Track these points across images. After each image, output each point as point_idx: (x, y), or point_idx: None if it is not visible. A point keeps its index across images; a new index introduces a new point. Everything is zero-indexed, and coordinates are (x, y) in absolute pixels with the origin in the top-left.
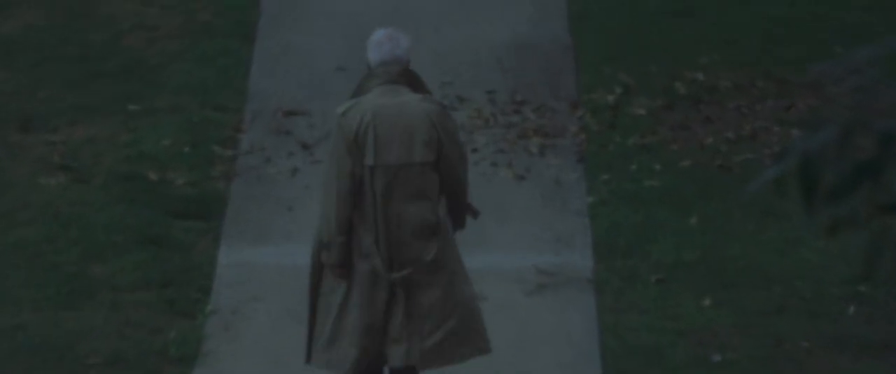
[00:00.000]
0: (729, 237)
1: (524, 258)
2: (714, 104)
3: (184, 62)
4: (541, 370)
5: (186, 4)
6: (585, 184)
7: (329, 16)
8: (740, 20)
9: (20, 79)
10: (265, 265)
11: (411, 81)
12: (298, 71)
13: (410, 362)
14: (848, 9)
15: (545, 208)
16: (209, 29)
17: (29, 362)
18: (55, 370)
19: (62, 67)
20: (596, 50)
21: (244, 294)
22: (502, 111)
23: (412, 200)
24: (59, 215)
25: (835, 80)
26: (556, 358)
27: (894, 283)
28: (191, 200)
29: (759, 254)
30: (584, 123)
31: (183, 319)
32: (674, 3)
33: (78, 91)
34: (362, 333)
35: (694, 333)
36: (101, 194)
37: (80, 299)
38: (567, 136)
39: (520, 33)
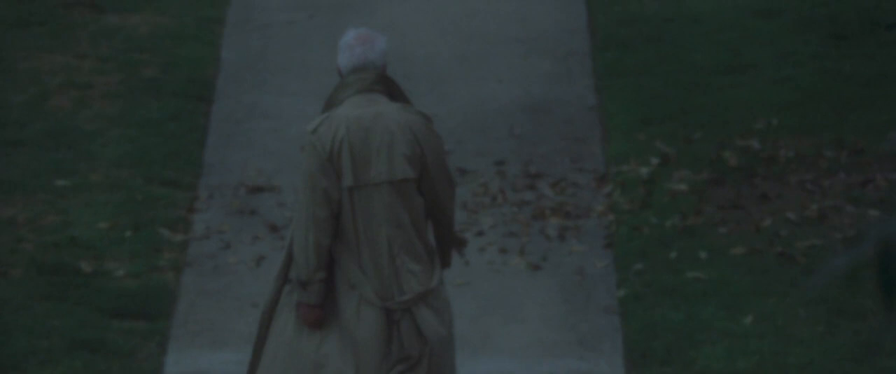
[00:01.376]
0: (791, 341)
1: (540, 366)
2: (772, 179)
3: (124, 127)
4: None
5: (127, 56)
6: (615, 275)
7: (301, 71)
8: (805, 78)
9: None
10: None
11: (389, 88)
12: (265, 138)
13: None
14: None
15: (565, 305)
16: (156, 87)
17: None
18: None
19: None
20: (627, 112)
21: None
22: (514, 186)
23: (402, 222)
24: None
25: None
26: None
27: None
28: (132, 295)
29: (828, 362)
30: (613, 201)
31: None
32: (723, 55)
33: None
34: None
35: None
36: (22, 288)
37: None
38: (592, 216)
39: (535, 92)
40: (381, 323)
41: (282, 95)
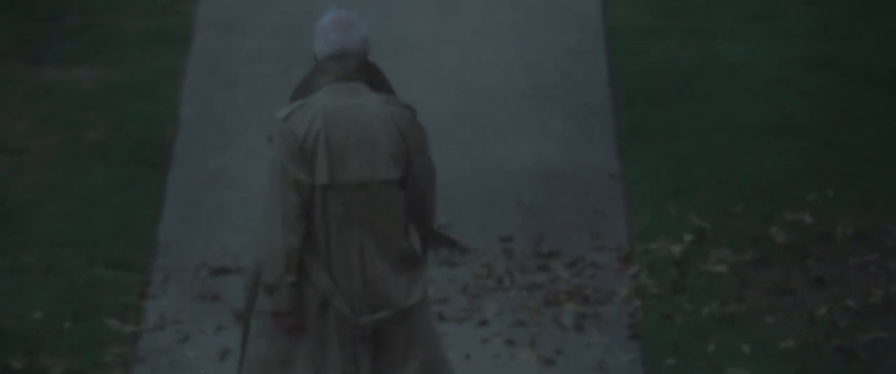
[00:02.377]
0: None
1: None
2: (828, 259)
3: (65, 200)
4: None
5: (69, 116)
6: (642, 371)
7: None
8: (865, 140)
9: None
10: None
11: (371, 77)
12: (231, 210)
13: None
14: None
15: None
16: (103, 151)
17: None
18: None
19: None
20: (656, 180)
21: None
22: (523, 267)
23: (378, 226)
24: None
25: None
26: None
27: None
28: None
29: None
30: (640, 285)
31: None
32: (767, 113)
33: None
34: None
35: None
36: None
37: None
38: (615, 302)
39: (548, 157)
40: (350, 338)
41: (251, 161)
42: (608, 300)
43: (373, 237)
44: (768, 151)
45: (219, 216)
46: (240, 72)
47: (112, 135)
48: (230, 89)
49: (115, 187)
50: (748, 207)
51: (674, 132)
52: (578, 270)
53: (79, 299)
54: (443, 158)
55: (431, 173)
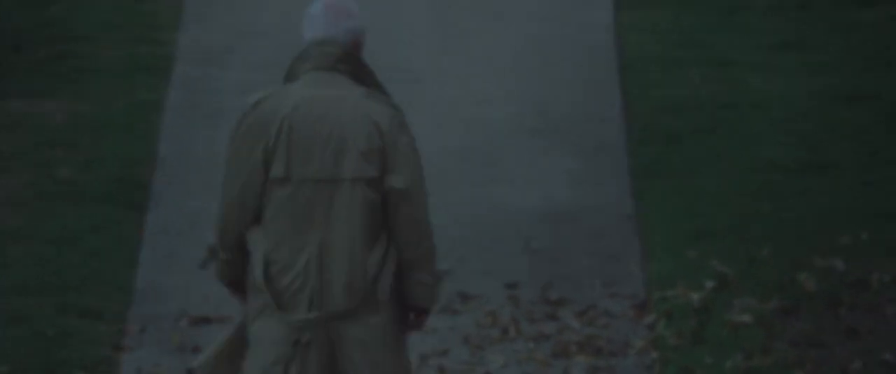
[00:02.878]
0: None
1: None
2: (862, 309)
3: (33, 243)
4: None
5: (38, 153)
6: None
7: None
8: None
9: None
10: None
11: (356, 69)
12: None
13: None
14: None
15: None
16: (74, 191)
17: None
18: None
19: None
20: (674, 222)
21: None
22: (530, 315)
23: (340, 228)
24: None
25: None
26: None
27: None
28: None
29: None
30: (657, 335)
31: None
32: (796, 151)
33: None
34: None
35: None
36: None
37: None
38: (630, 354)
39: (557, 197)
40: (289, 341)
41: None
42: (622, 352)
43: (336, 240)
44: (796, 190)
45: (199, 261)
46: (223, 105)
47: (84, 173)
48: (213, 124)
49: (87, 230)
50: (774, 251)
51: (693, 170)
52: (590, 319)
53: (48, 351)
54: (445, 197)
55: (421, 188)
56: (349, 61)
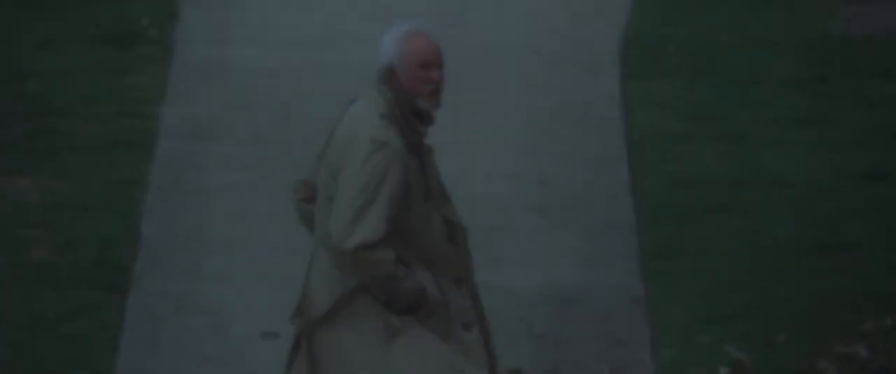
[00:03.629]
0: None
1: None
2: None
3: (7, 329)
4: None
5: (13, 233)
6: None
7: (247, 251)
8: None
9: None
10: None
11: (386, 94)
12: (200, 339)
13: None
14: None
15: None
16: (51, 273)
17: None
18: None
19: None
20: (685, 306)
21: None
22: None
23: (322, 238)
24: None
25: None
26: None
27: None
28: None
29: None
30: None
31: None
32: (816, 231)
33: None
34: None
35: None
36: None
37: None
38: None
39: (562, 278)
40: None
41: (221, 283)
42: None
43: (323, 250)
44: (816, 272)
45: (185, 347)
46: (209, 182)
47: (62, 255)
48: (198, 202)
49: (65, 315)
50: (793, 337)
51: (706, 251)
52: None
53: None
54: None
55: (338, 233)
56: (383, 80)
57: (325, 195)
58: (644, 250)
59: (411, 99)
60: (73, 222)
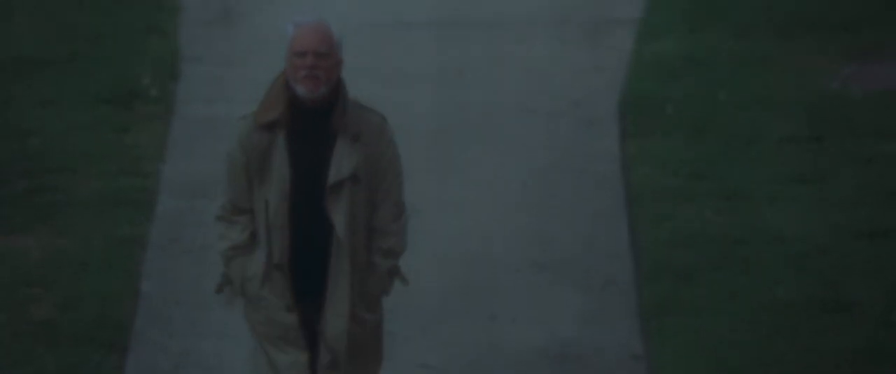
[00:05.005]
0: None
1: None
2: None
3: None
4: None
5: (13, 291)
6: None
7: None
8: None
9: None
10: None
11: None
12: None
13: None
14: None
15: None
16: (51, 331)
17: None
18: None
19: None
20: (686, 364)
21: None
22: None
23: None
24: None
25: None
26: None
27: None
28: None
29: None
30: None
31: None
32: (816, 289)
33: None
34: None
35: None
36: None
37: None
38: None
39: (562, 336)
40: None
41: (221, 341)
42: None
43: None
44: (816, 330)
45: None
46: (209, 240)
47: (62, 313)
48: (198, 260)
49: (66, 373)
50: None
51: (706, 309)
52: None
53: None
54: (443, 335)
55: None
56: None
57: None
58: (643, 307)
59: (292, 85)
60: (73, 279)
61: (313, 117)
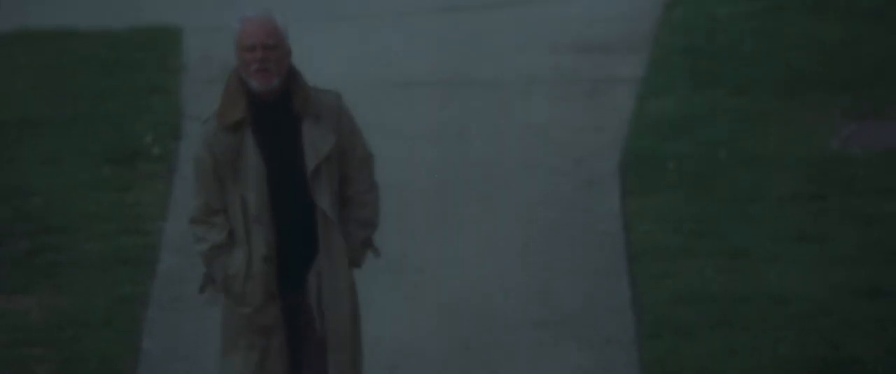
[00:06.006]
0: None
1: None
2: None
3: None
4: None
5: (14, 352)
6: None
7: None
8: None
9: None
10: None
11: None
12: None
13: None
14: None
15: None
16: None
17: None
18: None
19: None
20: None
21: None
22: None
23: None
24: None
25: None
26: None
27: None
28: None
29: None
30: None
31: None
32: (817, 347)
33: None
34: None
35: None
36: None
37: None
38: None
39: None
40: None
41: None
42: None
43: None
44: None
45: None
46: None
47: (63, 372)
48: (199, 317)
49: None
50: None
51: (707, 367)
52: None
53: None
54: None
55: None
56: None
57: None
58: (645, 365)
59: (245, 79)
60: (73, 339)
61: (274, 109)
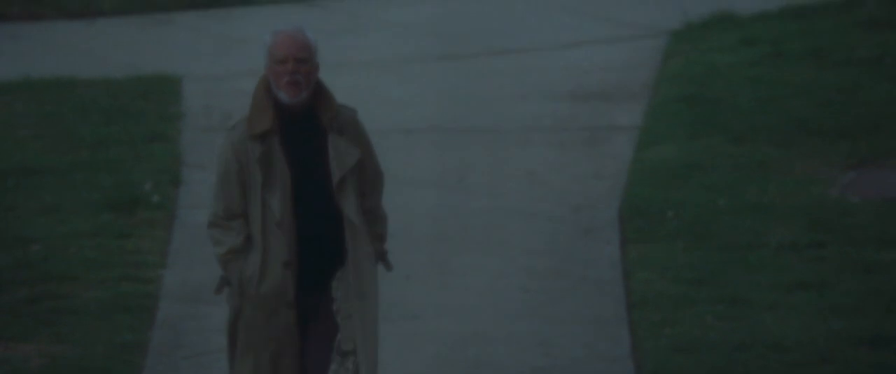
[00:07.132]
0: None
1: None
2: None
3: None
4: None
5: None
6: None
7: None
8: None
9: None
10: None
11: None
12: None
13: None
14: None
15: None
16: None
17: None
18: None
19: None
20: None
21: None
22: None
23: None
24: None
25: None
26: None
27: None
28: None
29: None
30: None
31: None
32: None
33: None
34: None
35: None
36: None
37: None
38: None
39: None
40: None
41: None
42: None
43: None
44: None
45: None
46: (211, 345)
47: None
48: (199, 365)
49: None
50: None
51: None
52: None
53: None
54: None
55: None
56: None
57: None
58: None
59: (275, 91)
60: None
61: (301, 120)
